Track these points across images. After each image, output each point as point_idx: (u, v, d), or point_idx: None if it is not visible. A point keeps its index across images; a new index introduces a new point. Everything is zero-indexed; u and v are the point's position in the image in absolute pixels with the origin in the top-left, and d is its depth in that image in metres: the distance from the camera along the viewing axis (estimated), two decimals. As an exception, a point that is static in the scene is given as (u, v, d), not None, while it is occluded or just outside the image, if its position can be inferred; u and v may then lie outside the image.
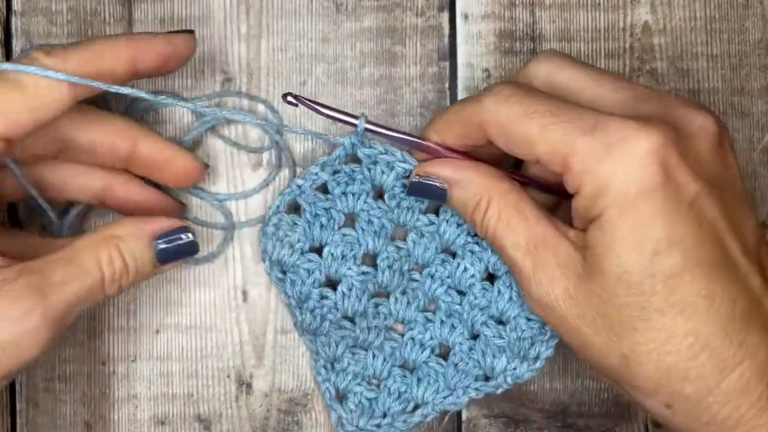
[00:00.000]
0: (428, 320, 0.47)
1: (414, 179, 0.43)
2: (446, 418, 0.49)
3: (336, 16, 0.49)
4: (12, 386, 0.49)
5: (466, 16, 0.49)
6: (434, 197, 0.43)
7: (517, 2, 0.49)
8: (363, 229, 0.47)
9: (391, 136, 0.44)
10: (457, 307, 0.47)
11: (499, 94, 0.39)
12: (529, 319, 0.46)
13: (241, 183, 0.49)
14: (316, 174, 0.46)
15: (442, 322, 0.47)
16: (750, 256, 0.38)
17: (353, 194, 0.46)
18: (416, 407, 0.47)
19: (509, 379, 0.46)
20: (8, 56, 0.49)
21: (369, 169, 0.46)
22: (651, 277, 0.36)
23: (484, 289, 0.46)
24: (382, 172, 0.46)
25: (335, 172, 0.46)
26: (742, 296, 0.37)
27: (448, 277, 0.47)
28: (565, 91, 0.40)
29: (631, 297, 0.37)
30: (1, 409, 0.49)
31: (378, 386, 0.47)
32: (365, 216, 0.46)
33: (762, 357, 0.36)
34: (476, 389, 0.47)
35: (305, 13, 0.49)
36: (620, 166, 0.36)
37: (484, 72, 0.49)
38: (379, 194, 0.47)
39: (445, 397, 0.47)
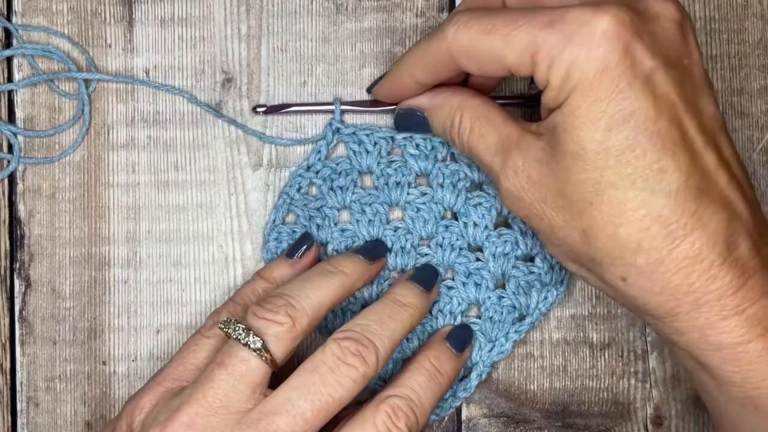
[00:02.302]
0: (450, 288, 0.48)
1: (398, 111, 0.46)
2: (446, 418, 0.49)
3: (336, 16, 0.49)
4: (13, 386, 0.49)
5: (465, 17, 0.49)
6: (418, 127, 0.46)
7: (516, 2, 0.49)
8: (358, 220, 0.47)
9: (369, 110, 0.47)
10: (477, 263, 0.47)
11: (458, 21, 0.40)
12: None
13: (241, 183, 0.49)
14: (301, 176, 0.47)
15: (464, 284, 0.47)
16: (706, 135, 0.38)
17: (341, 188, 0.47)
18: (469, 371, 0.48)
19: (543, 309, 0.47)
20: (8, 57, 0.49)
21: (354, 153, 0.47)
22: (604, 151, 0.37)
23: (501, 235, 0.47)
24: (367, 152, 0.47)
25: (319, 171, 0.47)
26: (695, 171, 0.37)
27: (457, 239, 0.47)
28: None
29: (586, 173, 0.37)
30: (2, 409, 0.49)
31: None
32: (358, 207, 0.47)
33: (713, 227, 0.37)
34: (516, 332, 0.47)
35: (305, 14, 0.49)
36: (581, 50, 0.37)
37: (484, 72, 0.49)
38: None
39: (490, 351, 0.47)
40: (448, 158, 0.48)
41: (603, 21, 0.36)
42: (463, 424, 0.49)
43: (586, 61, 0.37)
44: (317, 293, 0.42)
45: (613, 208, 0.37)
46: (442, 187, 0.47)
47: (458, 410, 0.49)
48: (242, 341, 0.39)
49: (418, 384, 0.42)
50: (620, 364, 0.49)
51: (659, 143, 0.37)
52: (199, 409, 0.39)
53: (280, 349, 0.40)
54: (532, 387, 0.49)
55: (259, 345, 0.39)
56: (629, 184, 0.37)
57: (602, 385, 0.49)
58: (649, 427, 0.49)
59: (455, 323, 0.47)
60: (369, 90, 0.48)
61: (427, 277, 0.46)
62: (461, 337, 0.46)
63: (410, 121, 0.46)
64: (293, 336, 0.40)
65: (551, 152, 0.39)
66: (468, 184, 0.47)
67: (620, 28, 0.36)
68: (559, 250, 0.41)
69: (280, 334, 0.40)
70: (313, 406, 0.39)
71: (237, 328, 0.40)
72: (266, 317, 0.40)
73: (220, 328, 0.41)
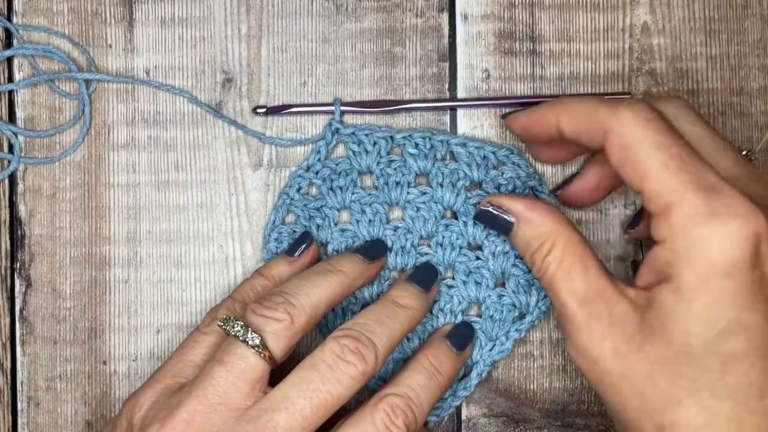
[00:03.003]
0: (450, 287, 0.48)
1: (485, 206, 0.43)
2: (446, 418, 0.49)
3: (336, 16, 0.49)
4: (13, 385, 0.49)
5: (465, 17, 0.49)
6: (498, 228, 0.43)
7: (516, 3, 0.49)
8: (358, 221, 0.47)
9: (368, 111, 0.47)
10: (477, 262, 0.47)
11: (640, 112, 0.38)
12: None
13: (241, 183, 0.49)
14: (301, 177, 0.47)
15: (464, 283, 0.47)
16: None
17: (341, 188, 0.47)
18: (469, 370, 0.48)
19: (543, 308, 0.47)
20: (9, 57, 0.49)
21: (354, 153, 0.47)
22: (713, 354, 0.36)
23: (500, 235, 0.47)
24: (366, 152, 0.47)
25: (318, 172, 0.47)
26: None
27: (457, 238, 0.47)
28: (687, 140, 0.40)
29: (685, 369, 0.36)
30: (3, 408, 0.49)
31: None
32: (357, 207, 0.47)
33: None
34: (517, 330, 0.47)
35: (305, 14, 0.49)
36: (718, 237, 0.36)
37: (484, 72, 0.49)
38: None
39: (491, 350, 0.47)
40: (448, 157, 0.48)
41: (752, 223, 0.35)
42: (463, 424, 0.49)
43: (718, 252, 0.36)
44: (316, 291, 0.42)
45: (703, 414, 0.36)
46: (441, 186, 0.47)
47: (458, 410, 0.49)
48: (241, 338, 0.40)
49: (417, 383, 0.42)
50: (620, 363, 0.49)
51: (767, 363, 0.36)
52: (199, 406, 0.39)
53: (278, 346, 0.40)
54: (532, 387, 0.49)
55: (257, 342, 0.39)
56: (727, 394, 0.36)
57: (602, 385, 0.49)
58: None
59: (456, 322, 0.47)
60: (505, 116, 0.46)
61: (425, 277, 0.46)
62: (461, 336, 0.46)
63: (493, 222, 0.43)
64: (292, 333, 0.40)
65: (648, 330, 0.37)
66: (468, 183, 0.47)
67: (762, 238, 0.36)
68: (621, 421, 0.39)
69: (278, 331, 0.40)
70: (311, 404, 0.39)
71: (236, 326, 0.40)
72: (265, 314, 0.40)
73: (219, 325, 0.41)
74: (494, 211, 0.43)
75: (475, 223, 0.47)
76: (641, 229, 0.46)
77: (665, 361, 0.36)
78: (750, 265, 0.36)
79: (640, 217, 0.46)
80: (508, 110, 0.47)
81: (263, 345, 0.40)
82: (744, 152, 0.44)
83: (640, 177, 0.38)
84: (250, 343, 0.39)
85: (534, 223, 0.41)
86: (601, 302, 0.39)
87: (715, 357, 0.36)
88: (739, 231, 0.36)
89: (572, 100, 0.42)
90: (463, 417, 0.49)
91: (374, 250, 0.46)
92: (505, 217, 0.42)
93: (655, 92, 0.49)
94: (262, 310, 0.40)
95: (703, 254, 0.36)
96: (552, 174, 0.49)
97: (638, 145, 0.38)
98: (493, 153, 0.47)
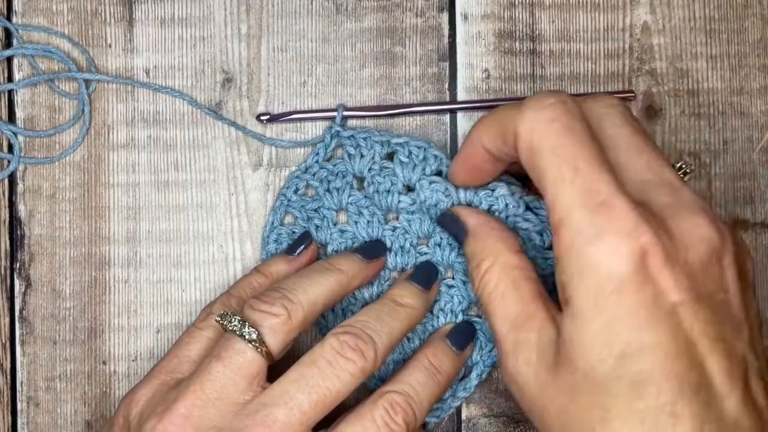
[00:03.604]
0: (450, 287, 0.47)
1: (447, 212, 0.45)
2: (446, 418, 0.49)
3: (336, 16, 0.49)
4: (13, 385, 0.49)
5: (465, 17, 0.49)
6: (454, 234, 0.44)
7: (516, 2, 0.49)
8: (356, 222, 0.47)
9: (373, 115, 0.48)
10: None
11: (542, 111, 0.36)
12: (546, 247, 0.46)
13: (241, 183, 0.49)
14: (298, 178, 0.47)
15: (464, 282, 0.47)
16: (733, 379, 0.34)
17: (337, 189, 0.47)
18: (469, 371, 0.48)
19: None
20: (8, 57, 0.49)
21: (349, 155, 0.47)
22: (616, 379, 0.34)
23: None
24: (362, 156, 0.47)
25: (315, 173, 0.47)
26: (710, 421, 0.34)
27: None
28: (603, 141, 0.37)
29: (595, 397, 0.35)
30: (2, 409, 0.49)
31: None
32: (354, 209, 0.47)
33: None
34: None
35: (305, 14, 0.49)
36: (603, 255, 0.34)
37: (484, 72, 0.49)
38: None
39: (491, 351, 0.47)
40: (438, 172, 0.46)
41: (639, 239, 0.34)
42: (463, 424, 0.49)
43: (605, 272, 0.34)
44: (314, 288, 0.42)
45: None
46: (424, 203, 0.46)
47: (458, 410, 0.49)
48: (238, 333, 0.40)
49: (417, 381, 0.42)
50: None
51: (676, 385, 0.34)
52: (197, 401, 0.39)
53: (276, 342, 0.40)
54: (532, 387, 0.49)
55: (254, 336, 0.39)
56: (638, 421, 0.34)
57: (602, 385, 0.49)
58: None
59: (456, 321, 0.47)
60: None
61: (425, 276, 0.46)
62: (462, 335, 0.46)
63: (451, 227, 0.44)
64: (289, 329, 0.40)
65: (560, 359, 0.36)
66: (449, 204, 0.45)
67: (651, 253, 0.34)
68: None
69: (275, 326, 0.40)
70: (310, 399, 0.39)
71: (233, 320, 0.40)
72: (262, 309, 0.40)
73: (216, 320, 0.41)
74: (454, 218, 0.44)
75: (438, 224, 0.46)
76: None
77: (575, 390, 0.35)
78: (639, 281, 0.34)
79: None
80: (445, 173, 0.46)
81: (260, 340, 0.40)
82: (678, 165, 0.42)
83: (541, 186, 0.36)
84: (247, 337, 0.39)
85: (479, 238, 0.42)
86: (530, 327, 0.38)
87: (620, 382, 0.34)
88: (621, 247, 0.34)
89: (489, 113, 0.40)
90: (463, 417, 0.49)
91: (373, 250, 0.46)
92: (461, 226, 0.43)
93: (655, 92, 0.49)
94: (260, 305, 0.40)
95: (591, 274, 0.34)
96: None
97: (539, 149, 0.36)
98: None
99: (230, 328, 0.40)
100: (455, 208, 0.44)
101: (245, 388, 0.39)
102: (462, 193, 0.45)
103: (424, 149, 0.46)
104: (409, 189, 0.47)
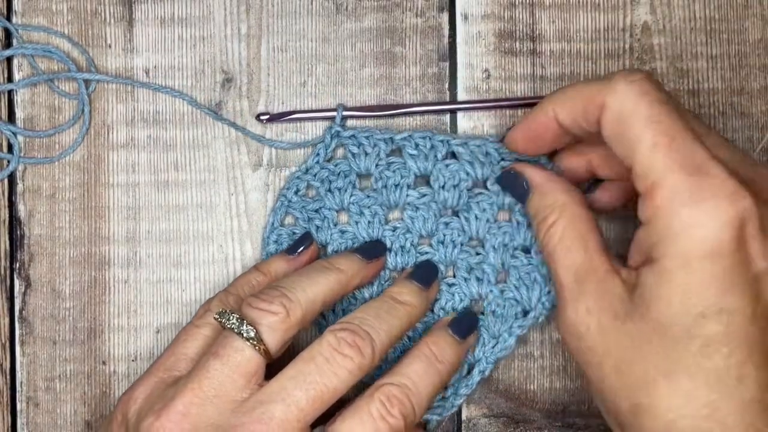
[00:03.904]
0: (451, 285, 0.47)
1: (509, 170, 0.45)
2: (446, 418, 0.49)
3: (336, 16, 0.49)
4: (13, 385, 0.49)
5: (465, 17, 0.49)
6: (516, 193, 0.45)
7: (516, 2, 0.49)
8: (357, 222, 0.47)
9: (372, 115, 0.48)
10: (478, 258, 0.47)
11: (635, 83, 0.38)
12: None
13: (241, 183, 0.49)
14: (299, 178, 0.47)
15: (465, 280, 0.47)
16: None
17: (339, 189, 0.47)
18: (471, 368, 0.47)
19: (547, 304, 0.47)
20: (8, 57, 0.49)
21: (353, 155, 0.47)
22: (691, 337, 0.35)
23: (500, 227, 0.47)
24: (366, 154, 0.47)
25: (316, 173, 0.47)
26: None
27: (458, 235, 0.47)
28: None
29: (664, 350, 0.36)
30: (2, 409, 0.49)
31: None
32: (356, 208, 0.47)
33: None
34: (519, 326, 0.47)
35: (305, 13, 0.49)
36: (700, 220, 0.35)
37: (484, 72, 0.49)
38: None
39: (493, 347, 0.47)
40: (449, 157, 0.47)
41: (737, 205, 0.35)
42: (463, 424, 0.49)
43: (700, 236, 0.35)
44: (313, 287, 0.42)
45: (678, 396, 0.36)
46: (443, 188, 0.47)
47: (458, 410, 0.49)
48: (236, 331, 0.40)
49: (415, 371, 0.41)
50: (620, 364, 0.49)
51: (747, 350, 0.35)
52: (194, 399, 0.39)
53: (274, 339, 0.40)
54: (532, 387, 0.49)
55: (252, 334, 0.40)
56: (704, 378, 0.35)
57: (602, 385, 0.49)
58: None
59: (459, 310, 0.47)
60: (502, 139, 0.46)
61: (425, 274, 0.46)
62: (464, 323, 0.46)
63: (513, 185, 0.45)
64: (287, 327, 0.40)
65: (632, 309, 0.37)
66: (469, 183, 0.47)
67: (747, 220, 0.35)
68: (600, 399, 0.39)
69: (274, 324, 0.40)
70: (308, 395, 0.39)
71: (231, 318, 0.40)
72: (260, 307, 0.40)
73: (215, 318, 0.41)
74: (516, 175, 0.44)
75: (503, 188, 0.46)
76: (604, 201, 0.46)
77: (644, 340, 0.36)
78: (733, 247, 0.35)
79: (597, 185, 0.46)
80: (506, 129, 0.46)
81: (258, 338, 0.40)
82: None
83: (630, 154, 0.37)
84: (245, 335, 0.39)
85: (545, 193, 0.42)
86: (593, 279, 0.39)
87: (694, 340, 0.35)
88: (722, 213, 0.35)
89: (564, 87, 0.41)
90: (464, 417, 0.49)
91: (373, 250, 0.46)
92: (524, 182, 0.43)
93: (655, 92, 0.49)
94: (258, 303, 0.40)
95: (684, 237, 0.35)
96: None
97: (630, 118, 0.37)
98: (496, 150, 0.47)
99: (228, 325, 0.40)
100: (517, 165, 0.44)
101: (243, 386, 0.39)
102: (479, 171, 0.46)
103: (429, 138, 0.47)
104: (422, 181, 0.47)
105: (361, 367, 0.40)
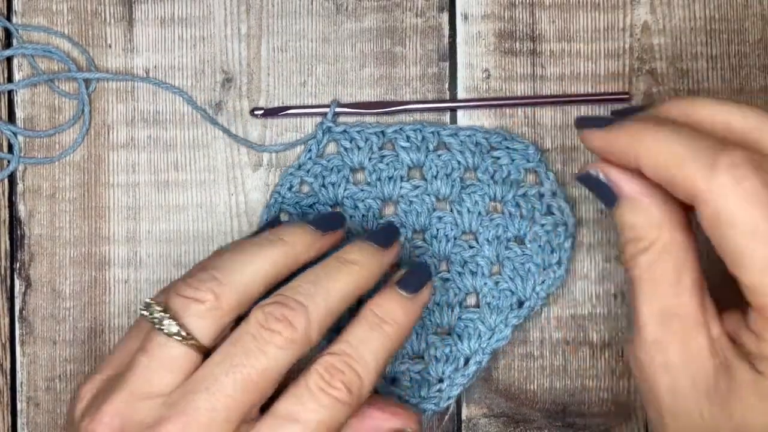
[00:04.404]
0: (446, 280, 0.48)
1: (592, 171, 0.37)
2: (446, 418, 0.49)
3: (336, 16, 0.49)
4: (13, 386, 0.49)
5: (465, 17, 0.49)
6: (600, 196, 0.37)
7: (516, 2, 0.49)
8: (351, 216, 0.47)
9: (367, 112, 0.48)
10: (471, 251, 0.47)
11: (743, 181, 0.32)
12: (542, 225, 0.47)
13: (241, 183, 0.49)
14: (292, 175, 0.47)
15: (459, 274, 0.47)
16: None
17: (333, 184, 0.47)
18: (467, 359, 0.47)
19: (542, 293, 0.47)
20: (8, 57, 0.49)
21: (345, 150, 0.47)
22: None
23: (492, 220, 0.47)
24: (359, 148, 0.47)
25: (309, 169, 0.48)
26: None
27: (451, 229, 0.47)
28: None
29: None
30: (2, 409, 0.49)
31: (423, 358, 0.48)
32: (350, 202, 0.47)
33: None
34: (516, 317, 0.47)
35: (305, 14, 0.49)
36: None
37: (484, 72, 0.49)
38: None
39: (489, 338, 0.47)
40: (440, 148, 0.48)
41: None
42: (463, 424, 0.49)
43: None
44: (251, 266, 0.38)
45: None
46: (436, 178, 0.47)
47: (458, 410, 0.49)
48: (156, 327, 0.37)
49: (355, 336, 0.38)
50: (620, 364, 0.49)
51: None
52: (126, 397, 0.36)
53: (203, 329, 0.37)
54: (532, 387, 0.49)
55: (174, 330, 0.36)
56: None
57: (602, 385, 0.49)
58: (649, 427, 0.49)
59: (453, 314, 0.47)
60: (580, 125, 0.38)
61: (384, 234, 0.41)
62: (412, 276, 0.41)
63: (596, 189, 0.37)
64: (220, 314, 0.37)
65: (712, 387, 0.34)
66: (462, 173, 0.47)
67: None
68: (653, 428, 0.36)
69: (202, 312, 0.37)
70: (234, 380, 0.35)
71: (154, 312, 0.37)
72: (186, 294, 0.37)
73: (140, 310, 0.38)
74: (602, 181, 0.36)
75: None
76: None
77: (715, 428, 0.33)
78: None
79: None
80: (581, 116, 0.40)
81: (184, 332, 0.36)
82: None
83: (735, 263, 0.32)
84: (165, 331, 0.36)
85: (638, 210, 0.36)
86: (678, 328, 0.34)
87: None
88: None
89: (655, 135, 0.34)
90: (463, 417, 0.49)
91: (328, 221, 0.42)
92: (611, 190, 0.36)
93: (655, 92, 0.49)
94: (185, 290, 0.37)
95: None
96: (552, 161, 0.48)
97: (733, 225, 0.32)
98: (486, 139, 0.47)
99: (150, 319, 0.37)
100: (603, 166, 0.37)
101: (172, 381, 0.36)
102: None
103: (420, 130, 0.47)
104: (416, 174, 0.47)
105: (294, 341, 0.36)
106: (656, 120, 0.35)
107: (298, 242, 0.39)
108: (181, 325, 0.37)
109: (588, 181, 0.37)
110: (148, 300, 0.38)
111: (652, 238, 0.35)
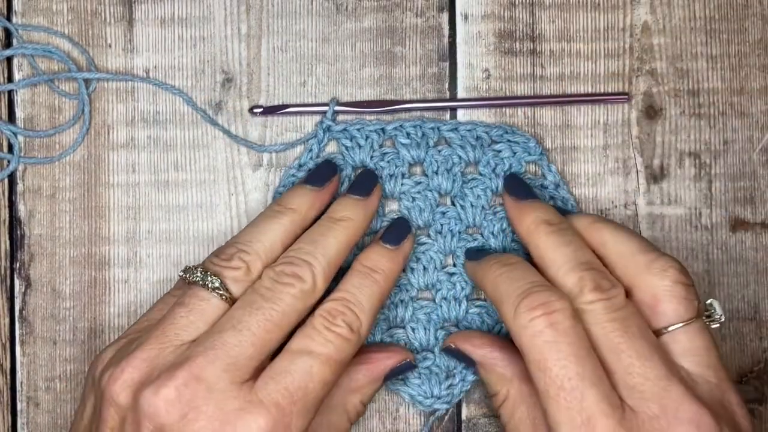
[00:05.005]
0: (451, 274, 0.48)
1: (449, 345, 0.46)
2: (446, 418, 0.49)
3: (336, 16, 0.49)
4: (13, 386, 0.49)
5: (465, 17, 0.49)
6: (462, 362, 0.47)
7: (516, 2, 0.49)
8: None
9: (367, 111, 0.48)
10: (475, 243, 0.47)
11: (526, 325, 0.39)
12: None
13: (241, 183, 0.49)
14: (293, 175, 0.47)
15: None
16: None
17: None
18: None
19: None
20: (8, 57, 0.49)
21: (346, 148, 0.47)
22: None
23: (496, 212, 0.47)
24: (359, 147, 0.47)
25: (310, 169, 0.47)
26: None
27: (455, 224, 0.47)
28: (592, 340, 0.40)
29: None
30: (2, 409, 0.49)
31: (432, 352, 0.48)
32: None
33: None
34: None
35: (305, 14, 0.49)
36: None
37: (484, 72, 0.49)
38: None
39: (497, 332, 0.47)
40: (441, 143, 0.48)
41: None
42: (463, 424, 0.49)
43: None
44: (267, 236, 0.43)
45: None
46: (437, 173, 0.47)
47: (458, 410, 0.49)
48: (200, 283, 0.41)
49: (351, 285, 0.43)
50: (620, 364, 0.49)
51: None
52: (156, 344, 0.40)
53: (240, 290, 0.41)
54: (532, 387, 0.49)
55: (217, 284, 0.41)
56: None
57: (602, 385, 0.49)
58: None
59: (461, 308, 0.47)
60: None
61: (362, 184, 0.46)
62: (394, 230, 0.46)
63: (458, 358, 0.47)
64: (251, 279, 0.42)
65: None
66: (463, 167, 0.47)
67: None
68: None
69: (237, 276, 0.41)
70: (258, 320, 0.40)
71: (195, 273, 0.41)
72: (221, 265, 0.42)
73: (180, 275, 0.42)
74: (457, 351, 0.46)
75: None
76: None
77: None
78: None
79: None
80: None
81: (224, 287, 0.41)
82: (707, 313, 0.42)
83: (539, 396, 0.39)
84: (209, 286, 0.41)
85: (489, 370, 0.45)
86: None
87: None
88: None
89: (486, 275, 0.44)
90: (463, 417, 0.49)
91: (322, 174, 0.46)
92: (468, 356, 0.46)
93: (655, 92, 0.49)
94: (219, 262, 0.42)
95: None
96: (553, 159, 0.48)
97: (534, 362, 0.39)
98: (486, 133, 0.47)
99: (192, 279, 0.41)
100: (455, 339, 0.46)
101: (204, 332, 0.40)
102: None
103: (420, 126, 0.48)
104: (417, 170, 0.47)
105: (304, 291, 0.41)
106: (497, 261, 0.43)
107: (303, 205, 0.44)
108: (221, 282, 0.41)
109: (449, 352, 0.47)
110: (186, 266, 0.42)
111: (505, 393, 0.44)
